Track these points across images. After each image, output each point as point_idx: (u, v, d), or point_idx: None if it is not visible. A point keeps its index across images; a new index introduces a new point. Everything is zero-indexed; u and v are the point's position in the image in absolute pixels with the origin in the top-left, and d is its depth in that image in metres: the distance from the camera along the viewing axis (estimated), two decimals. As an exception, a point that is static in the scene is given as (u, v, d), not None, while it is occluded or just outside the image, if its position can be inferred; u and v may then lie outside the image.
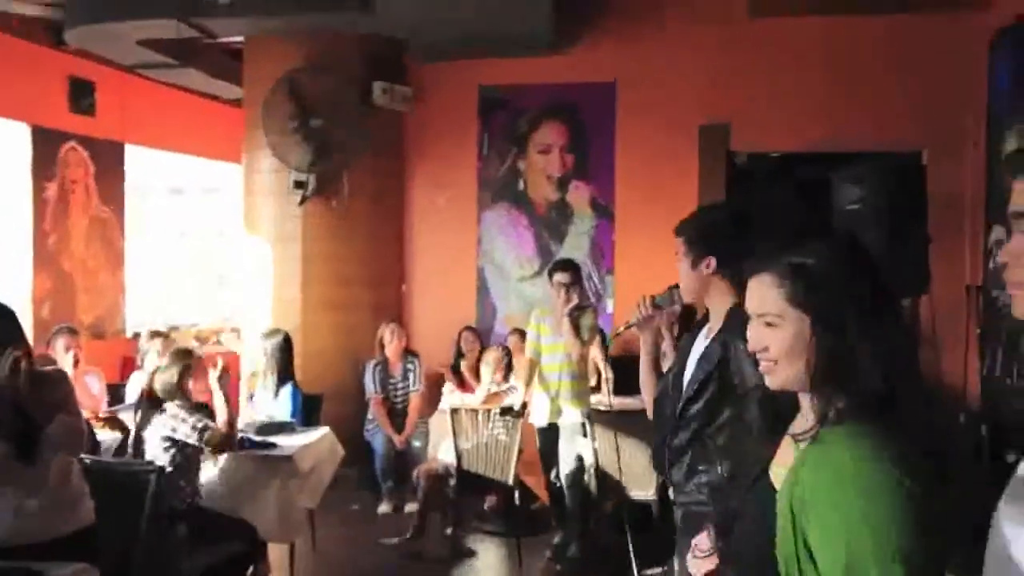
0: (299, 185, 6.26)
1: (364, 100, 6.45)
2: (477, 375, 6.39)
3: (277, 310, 6.56)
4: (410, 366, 6.25)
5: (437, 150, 7.05)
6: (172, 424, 3.94)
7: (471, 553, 5.33)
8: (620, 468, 5.01)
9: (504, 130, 6.94)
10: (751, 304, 1.58)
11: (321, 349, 6.46)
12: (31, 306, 7.01)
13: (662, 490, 5.06)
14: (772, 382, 1.54)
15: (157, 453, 3.90)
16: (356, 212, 6.57)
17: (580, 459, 5.11)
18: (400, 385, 6.22)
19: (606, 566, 5.02)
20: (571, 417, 5.12)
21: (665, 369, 2.92)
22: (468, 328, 6.65)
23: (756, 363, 2.35)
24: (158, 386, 4.04)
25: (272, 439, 4.52)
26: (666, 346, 2.98)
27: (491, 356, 5.87)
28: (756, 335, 1.56)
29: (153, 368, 4.21)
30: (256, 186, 6.76)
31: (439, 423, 5.62)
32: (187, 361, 4.09)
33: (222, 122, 8.83)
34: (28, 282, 7.22)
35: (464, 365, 6.39)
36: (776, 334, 1.51)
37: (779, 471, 1.51)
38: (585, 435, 5.07)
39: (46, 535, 2.91)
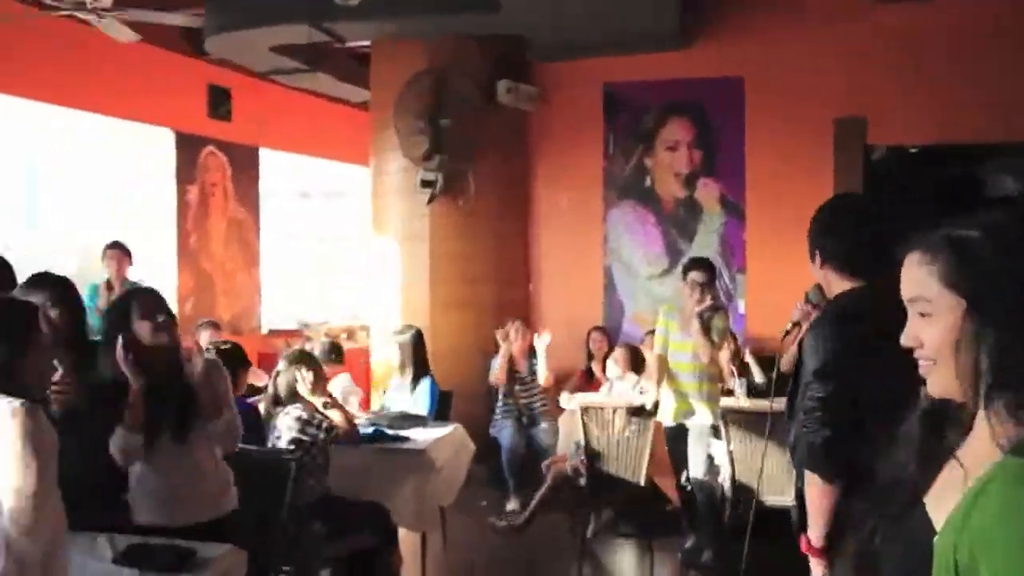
0: (427, 184, 6.35)
1: (489, 100, 6.49)
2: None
3: (406, 308, 6.66)
4: (535, 362, 6.23)
5: (562, 148, 7.02)
6: (297, 426, 3.94)
7: (601, 556, 5.26)
8: (755, 472, 4.85)
9: (629, 127, 6.85)
10: (903, 290, 1.28)
11: (449, 348, 6.51)
12: (176, 304, 7.34)
13: (800, 496, 4.87)
14: (931, 387, 1.24)
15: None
16: (482, 211, 6.61)
17: (710, 461, 4.98)
18: (528, 380, 6.21)
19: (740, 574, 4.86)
20: (701, 418, 4.98)
21: None
22: (597, 328, 6.60)
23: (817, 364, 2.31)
24: (281, 388, 4.09)
25: (404, 432, 4.57)
26: None
27: (618, 353, 5.77)
28: (909, 328, 1.26)
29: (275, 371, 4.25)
30: (384, 187, 6.89)
31: (568, 423, 5.57)
32: (307, 363, 4.13)
33: (349, 125, 9.09)
34: (173, 280, 7.58)
35: (595, 365, 6.34)
36: (930, 325, 1.22)
37: (938, 503, 1.21)
38: (719, 437, 4.94)
39: (196, 519, 3.01)
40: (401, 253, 6.75)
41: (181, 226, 7.84)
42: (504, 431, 6.13)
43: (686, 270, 5.10)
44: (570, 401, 5.48)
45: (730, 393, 5.18)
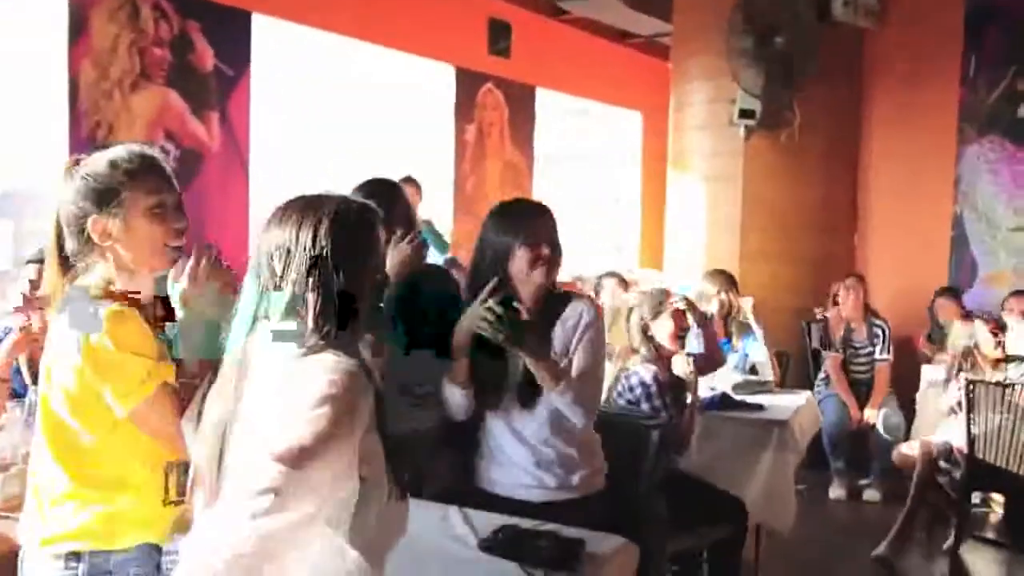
0: (746, 114, 5.48)
1: (822, 16, 5.50)
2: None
3: (710, 259, 5.85)
4: (877, 330, 5.26)
5: (905, 73, 5.92)
6: (651, 388, 3.26)
7: (973, 567, 4.28)
8: None
9: (999, 45, 5.63)
10: None
11: (757, 304, 5.65)
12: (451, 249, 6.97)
13: None
14: None
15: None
16: (807, 148, 5.66)
17: None
18: (863, 350, 5.26)
19: None
20: None
21: None
22: (946, 290, 5.50)
23: None
24: (632, 333, 3.39)
25: (753, 399, 3.81)
26: None
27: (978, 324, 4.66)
28: None
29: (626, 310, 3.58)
30: (687, 120, 6.10)
31: (926, 401, 4.59)
32: (654, 301, 3.42)
33: (628, 67, 8.40)
34: (448, 225, 7.20)
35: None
36: None
37: None
38: None
39: (566, 493, 2.41)
40: (706, 195, 5.95)
41: (458, 168, 7.45)
42: (829, 402, 5.22)
43: None
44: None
45: None
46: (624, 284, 5.67)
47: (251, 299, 1.52)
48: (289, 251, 1.47)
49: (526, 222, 2.41)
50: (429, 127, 7.25)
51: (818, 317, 5.49)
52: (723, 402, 3.75)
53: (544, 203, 2.55)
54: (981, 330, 4.38)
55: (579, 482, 2.45)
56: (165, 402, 1.67)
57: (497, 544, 2.04)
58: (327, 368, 1.42)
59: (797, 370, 5.41)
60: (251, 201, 5.49)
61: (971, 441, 4.00)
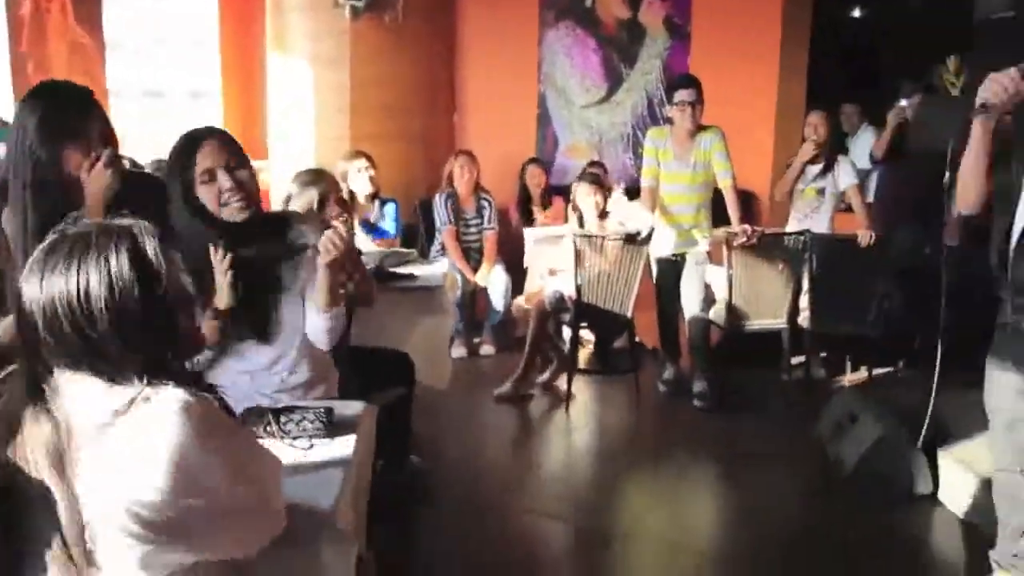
0: (352, -7, 5.51)
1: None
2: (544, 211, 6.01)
3: (321, 143, 5.89)
4: (484, 203, 5.75)
5: (492, -39, 6.32)
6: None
7: (586, 391, 5.06)
8: (750, 297, 4.75)
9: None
10: None
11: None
12: None
13: (792, 316, 4.85)
14: None
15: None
16: (409, 28, 5.86)
17: (707, 289, 4.82)
18: (473, 222, 5.73)
19: (736, 400, 4.83)
20: (697, 246, 4.79)
21: None
22: (533, 160, 6.15)
23: None
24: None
25: (405, 270, 4.04)
26: None
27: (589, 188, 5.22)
28: None
29: (285, 197, 3.55)
30: (288, 1, 5.93)
31: (536, 255, 5.19)
32: (323, 183, 3.48)
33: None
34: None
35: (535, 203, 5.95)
36: None
37: None
38: (718, 263, 4.76)
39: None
40: (313, 78, 5.90)
41: (14, 47, 6.45)
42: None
43: (672, 89, 4.76)
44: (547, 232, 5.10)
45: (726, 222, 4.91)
46: None
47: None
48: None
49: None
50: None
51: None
52: (379, 274, 3.91)
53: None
54: (587, 196, 5.01)
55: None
56: None
57: (247, 424, 2.04)
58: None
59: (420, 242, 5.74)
60: None
61: (578, 288, 4.67)
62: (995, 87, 2.33)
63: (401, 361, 3.52)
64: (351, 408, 2.22)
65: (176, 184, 2.23)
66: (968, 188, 2.58)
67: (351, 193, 4.31)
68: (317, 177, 3.46)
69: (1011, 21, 4.55)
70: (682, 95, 4.64)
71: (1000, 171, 2.52)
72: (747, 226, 4.58)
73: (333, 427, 2.06)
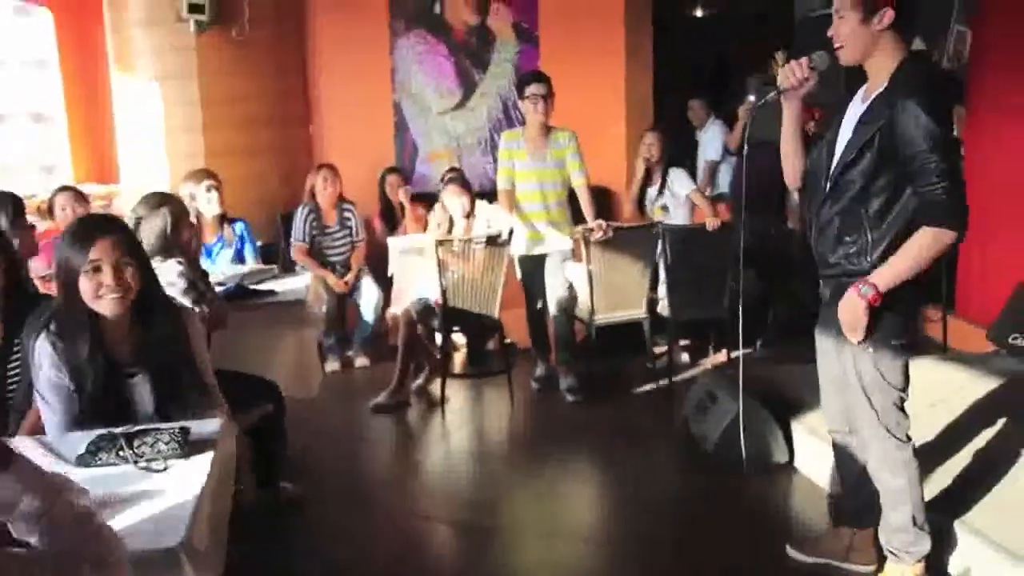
0: (195, 9, 5.37)
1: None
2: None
3: (173, 161, 5.72)
4: (347, 215, 5.70)
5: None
6: (183, 282, 3.24)
7: (462, 393, 5.12)
8: (611, 290, 4.90)
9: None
10: None
11: (229, 203, 5.72)
12: None
13: (651, 306, 5.03)
14: None
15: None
16: (257, 41, 5.77)
17: (570, 286, 4.94)
18: (338, 235, 5.67)
19: (605, 391, 4.97)
20: (558, 244, 4.90)
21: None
22: (392, 169, 6.15)
23: (931, 131, 2.33)
24: (148, 237, 3.30)
25: (266, 286, 3.98)
26: None
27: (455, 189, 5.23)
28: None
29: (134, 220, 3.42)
30: (128, 16, 5.74)
31: (400, 268, 5.20)
32: (173, 204, 3.39)
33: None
34: None
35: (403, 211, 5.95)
36: None
37: None
38: (578, 260, 4.89)
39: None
40: (162, 95, 5.73)
41: None
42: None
43: (523, 84, 4.84)
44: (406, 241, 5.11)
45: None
46: (81, 198, 5.21)
47: None
48: None
49: None
50: None
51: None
52: (238, 293, 3.85)
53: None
54: (454, 198, 5.04)
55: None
56: None
57: (99, 451, 1.99)
58: None
59: (282, 257, 5.65)
60: None
61: (444, 293, 4.71)
62: (787, 73, 2.63)
63: (264, 384, 3.48)
64: (209, 427, 2.18)
65: (62, 268, 2.26)
66: (788, 164, 2.80)
67: (198, 214, 4.21)
68: (165, 199, 3.37)
69: (827, 18, 4.85)
70: (532, 88, 4.74)
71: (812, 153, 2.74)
72: (601, 221, 4.72)
73: (189, 447, 2.03)
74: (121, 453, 1.95)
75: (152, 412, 2.29)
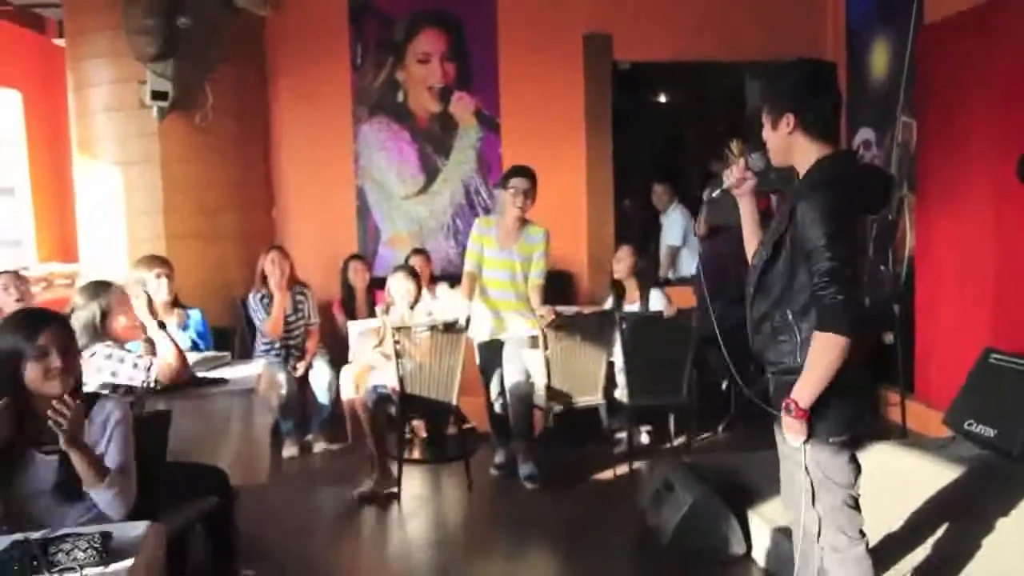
0: (158, 96, 5.42)
1: (225, 2, 5.67)
2: (369, 307, 5.97)
3: (133, 245, 5.69)
4: (301, 297, 5.67)
5: (304, 60, 6.36)
6: (110, 367, 3.28)
7: (418, 479, 5.03)
8: (569, 376, 4.88)
9: (379, 38, 6.40)
10: None
11: (189, 287, 5.69)
12: None
13: (608, 393, 5.01)
14: None
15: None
16: (221, 128, 5.82)
17: (527, 372, 4.91)
18: (291, 319, 5.62)
19: (564, 478, 4.91)
20: (518, 331, 4.90)
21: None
22: (355, 256, 6.14)
23: (824, 230, 2.37)
24: (77, 329, 3.28)
25: (216, 374, 3.93)
26: None
27: (400, 283, 5.25)
28: None
29: (69, 309, 3.42)
30: (92, 102, 5.77)
31: (358, 350, 5.16)
32: (106, 296, 3.40)
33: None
34: None
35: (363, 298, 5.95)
36: None
37: None
38: (536, 347, 4.88)
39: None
40: (123, 179, 5.74)
41: None
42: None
43: (508, 176, 4.91)
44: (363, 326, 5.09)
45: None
46: (22, 281, 5.13)
47: None
48: None
49: None
50: None
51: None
52: (192, 381, 3.79)
53: None
54: (401, 283, 5.04)
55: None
56: None
57: (11, 561, 1.92)
58: None
59: (240, 342, 5.59)
60: None
61: (401, 379, 4.66)
62: (727, 174, 2.77)
63: (212, 473, 3.42)
64: (135, 530, 2.12)
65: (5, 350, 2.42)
66: (750, 252, 2.83)
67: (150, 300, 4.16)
68: (100, 290, 3.37)
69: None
70: (516, 181, 4.80)
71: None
72: (548, 306, 4.75)
73: (109, 554, 1.96)
74: (34, 564, 1.88)
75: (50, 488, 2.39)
